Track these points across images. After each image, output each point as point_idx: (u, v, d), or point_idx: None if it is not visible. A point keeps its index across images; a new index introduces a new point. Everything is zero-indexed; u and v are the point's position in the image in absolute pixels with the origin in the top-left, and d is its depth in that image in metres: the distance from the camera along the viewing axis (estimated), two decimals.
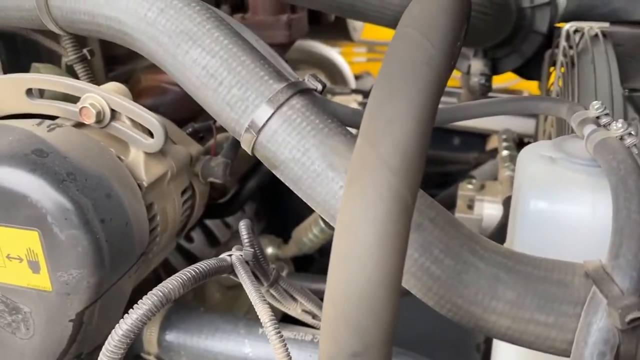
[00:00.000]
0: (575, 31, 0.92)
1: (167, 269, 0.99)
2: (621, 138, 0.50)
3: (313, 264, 1.28)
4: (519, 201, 0.55)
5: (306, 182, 0.47)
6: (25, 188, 0.50)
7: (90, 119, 0.57)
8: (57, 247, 0.51)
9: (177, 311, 0.73)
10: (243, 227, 0.59)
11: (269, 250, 1.14)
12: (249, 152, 0.50)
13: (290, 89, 0.48)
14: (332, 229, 1.02)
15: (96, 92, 0.57)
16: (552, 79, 1.11)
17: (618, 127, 0.51)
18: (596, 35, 0.91)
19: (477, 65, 1.16)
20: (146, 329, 0.71)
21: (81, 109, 0.57)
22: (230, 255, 0.54)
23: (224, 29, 0.50)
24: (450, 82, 0.54)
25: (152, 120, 0.57)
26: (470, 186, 1.12)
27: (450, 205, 1.12)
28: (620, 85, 0.81)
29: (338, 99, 1.78)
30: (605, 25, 0.95)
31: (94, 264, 0.52)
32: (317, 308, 0.66)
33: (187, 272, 0.47)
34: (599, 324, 0.38)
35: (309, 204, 0.49)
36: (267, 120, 0.47)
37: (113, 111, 0.58)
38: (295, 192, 0.49)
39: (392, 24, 0.96)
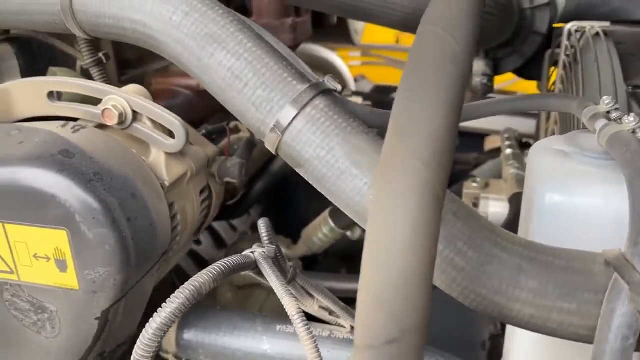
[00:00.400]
0: (576, 31, 0.94)
1: (177, 271, 1.00)
2: (633, 131, 0.51)
3: (317, 264, 1.29)
4: (533, 195, 0.56)
5: (330, 180, 0.48)
6: (53, 188, 0.51)
7: (112, 121, 0.58)
8: (85, 246, 0.52)
9: (195, 310, 0.74)
10: (262, 224, 0.60)
11: None
12: (273, 152, 0.52)
13: (313, 90, 0.50)
14: (343, 228, 1.03)
15: (118, 93, 0.58)
16: (552, 78, 1.12)
17: (630, 120, 0.52)
18: (597, 34, 0.92)
19: (479, 65, 1.18)
20: None
21: (104, 110, 0.58)
22: (253, 252, 0.55)
23: (247, 31, 0.51)
24: None
25: (173, 121, 0.58)
26: (474, 185, 1.13)
27: None
28: (623, 82, 0.83)
29: None
30: (606, 24, 0.97)
31: (121, 262, 0.53)
32: (333, 305, 0.67)
33: (216, 267, 0.48)
34: (622, 310, 0.39)
35: (333, 201, 0.50)
36: (292, 120, 0.48)
37: (134, 112, 0.59)
38: (320, 189, 0.50)
39: (396, 24, 0.98)
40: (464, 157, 1.84)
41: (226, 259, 0.51)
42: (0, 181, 0.52)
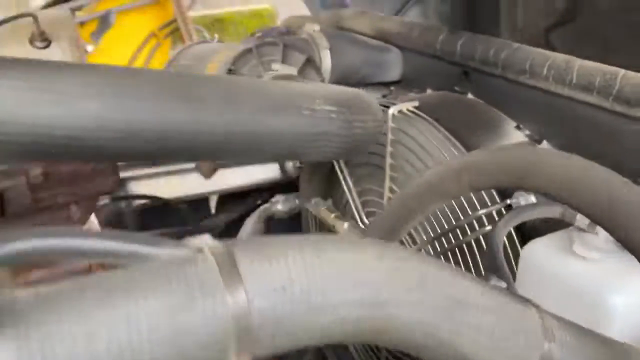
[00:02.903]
0: (399, 112, 1.05)
1: None
2: None
3: None
4: (591, 302, 0.65)
5: None
6: None
7: None
8: None
9: None
10: None
11: None
12: None
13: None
14: None
15: None
16: None
17: None
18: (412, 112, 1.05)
19: None
20: None
21: None
22: None
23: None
24: None
25: None
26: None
27: None
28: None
29: None
30: (415, 103, 1.09)
31: None
32: None
33: None
34: None
35: None
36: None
37: None
38: None
39: None
40: (212, 222, 1.79)
41: None
42: None
